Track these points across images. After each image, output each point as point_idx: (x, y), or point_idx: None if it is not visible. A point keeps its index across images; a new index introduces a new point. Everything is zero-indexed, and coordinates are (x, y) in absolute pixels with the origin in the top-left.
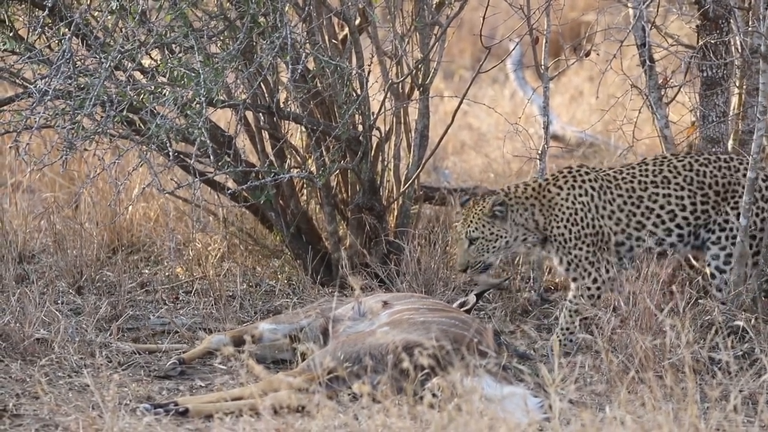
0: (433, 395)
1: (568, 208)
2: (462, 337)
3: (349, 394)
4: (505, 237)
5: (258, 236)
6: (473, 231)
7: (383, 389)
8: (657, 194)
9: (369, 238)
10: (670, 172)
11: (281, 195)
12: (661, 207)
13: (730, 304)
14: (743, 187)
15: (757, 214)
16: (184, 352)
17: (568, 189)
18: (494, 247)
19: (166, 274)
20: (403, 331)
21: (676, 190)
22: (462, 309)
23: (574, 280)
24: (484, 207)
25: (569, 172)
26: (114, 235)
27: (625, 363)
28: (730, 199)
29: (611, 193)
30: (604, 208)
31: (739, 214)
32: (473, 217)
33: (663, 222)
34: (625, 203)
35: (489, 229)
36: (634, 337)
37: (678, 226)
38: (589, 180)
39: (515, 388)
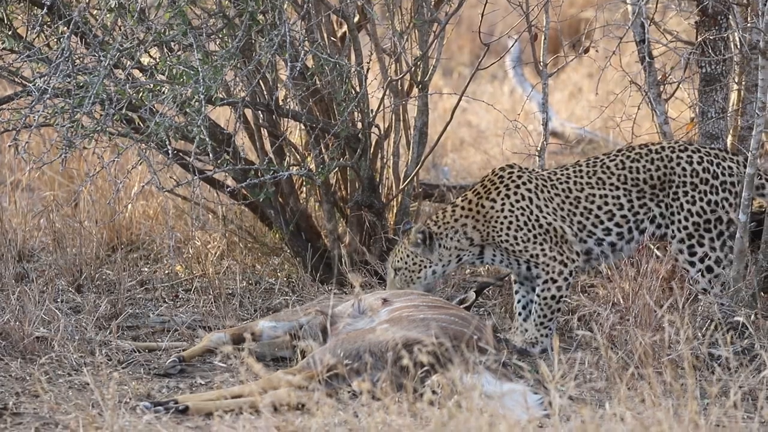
0: (433, 392)
1: (506, 217)
2: (461, 334)
3: (348, 392)
4: (431, 266)
5: (257, 234)
6: (397, 261)
7: (383, 386)
8: (594, 195)
9: (368, 235)
10: (603, 173)
11: (280, 193)
12: (599, 207)
13: (729, 300)
14: (678, 176)
15: (708, 202)
16: (183, 350)
17: (503, 200)
18: (418, 277)
19: (166, 272)
20: (403, 329)
21: (611, 190)
22: (461, 306)
23: (538, 276)
24: (409, 237)
25: (501, 182)
26: (113, 234)
27: (625, 359)
28: (668, 189)
29: (548, 191)
30: (546, 206)
31: (681, 204)
32: (399, 248)
33: (602, 222)
34: (563, 202)
35: (412, 260)
36: (634, 334)
37: (617, 224)
38: (523, 183)
39: (515, 385)
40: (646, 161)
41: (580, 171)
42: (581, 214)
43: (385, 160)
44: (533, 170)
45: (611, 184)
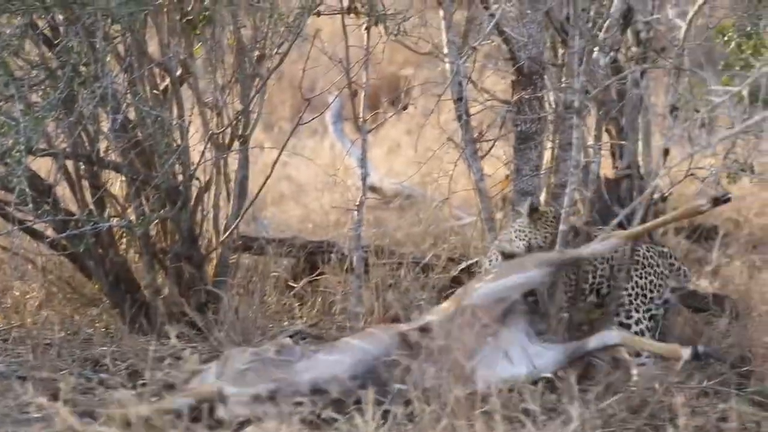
0: None
1: None
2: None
3: None
4: None
5: (77, 285)
6: None
7: None
8: None
9: (188, 287)
10: None
11: (100, 244)
12: None
13: None
14: None
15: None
16: None
17: None
18: None
19: None
20: None
21: None
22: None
23: None
24: None
25: None
26: None
27: (438, 412)
28: None
29: None
30: None
31: None
32: None
33: None
34: None
35: None
36: (447, 387)
37: None
38: None
39: None
40: None
41: None
42: None
43: (205, 213)
44: None
45: None
